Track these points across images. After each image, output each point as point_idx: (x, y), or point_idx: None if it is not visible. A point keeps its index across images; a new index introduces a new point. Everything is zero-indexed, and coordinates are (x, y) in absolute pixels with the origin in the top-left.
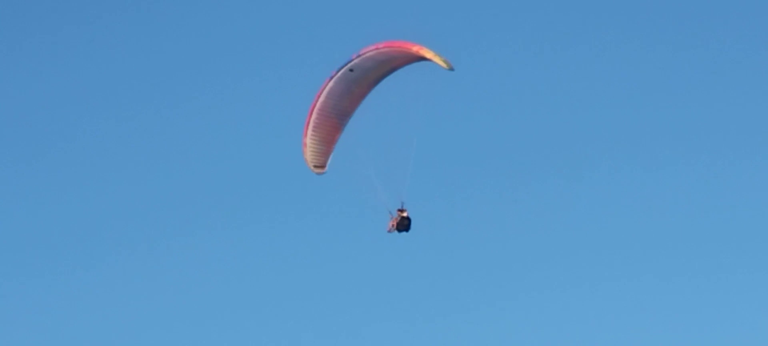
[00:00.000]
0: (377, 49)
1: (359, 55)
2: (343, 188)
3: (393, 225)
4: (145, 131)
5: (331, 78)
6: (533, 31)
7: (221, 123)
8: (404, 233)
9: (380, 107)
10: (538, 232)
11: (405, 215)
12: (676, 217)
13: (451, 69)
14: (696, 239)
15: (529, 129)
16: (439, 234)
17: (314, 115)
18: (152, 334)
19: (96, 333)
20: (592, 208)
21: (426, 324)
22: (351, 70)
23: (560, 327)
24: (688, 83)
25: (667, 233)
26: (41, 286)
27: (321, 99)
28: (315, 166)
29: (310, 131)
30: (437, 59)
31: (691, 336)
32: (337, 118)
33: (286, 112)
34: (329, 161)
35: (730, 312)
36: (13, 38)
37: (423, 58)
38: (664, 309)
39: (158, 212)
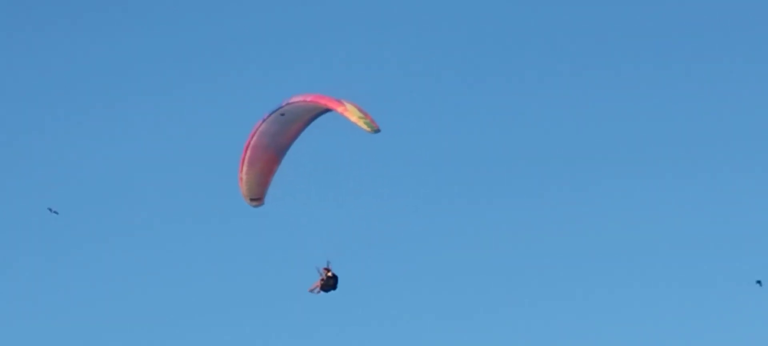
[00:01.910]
0: (305, 100)
1: (289, 103)
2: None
3: (318, 285)
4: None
5: (263, 120)
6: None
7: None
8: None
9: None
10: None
11: (330, 274)
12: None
13: (377, 131)
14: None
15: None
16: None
17: (249, 152)
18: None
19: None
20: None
21: None
22: (282, 114)
23: None
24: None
25: (657, 239)
26: None
27: (255, 137)
28: (251, 199)
29: (245, 167)
30: (360, 123)
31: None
32: (274, 151)
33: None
34: (266, 194)
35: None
36: None
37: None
38: (666, 314)
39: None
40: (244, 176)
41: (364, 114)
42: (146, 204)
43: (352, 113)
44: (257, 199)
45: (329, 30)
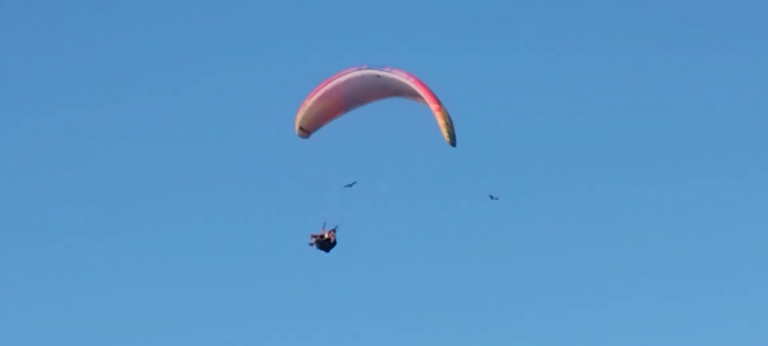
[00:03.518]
0: (407, 78)
1: (391, 71)
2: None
3: (316, 239)
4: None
5: (359, 69)
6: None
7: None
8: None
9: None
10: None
11: (331, 239)
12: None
13: (452, 145)
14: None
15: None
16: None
17: (328, 87)
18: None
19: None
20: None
21: None
22: (378, 76)
23: None
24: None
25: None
26: None
27: (341, 79)
28: (301, 129)
29: (315, 97)
30: (443, 130)
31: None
32: (346, 101)
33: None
34: (315, 133)
35: None
36: None
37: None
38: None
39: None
40: (307, 103)
41: (451, 125)
42: (142, 202)
43: (441, 116)
44: (306, 131)
45: (325, 28)
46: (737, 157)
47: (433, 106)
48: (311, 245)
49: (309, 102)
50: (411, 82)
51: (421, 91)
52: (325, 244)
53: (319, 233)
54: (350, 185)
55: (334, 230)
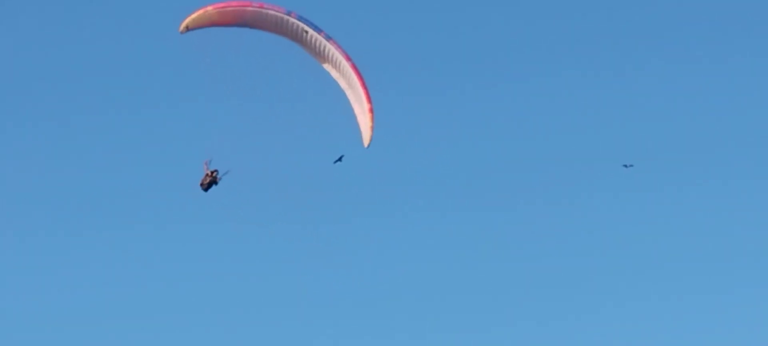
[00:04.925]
0: (345, 60)
1: (327, 39)
2: None
3: (205, 181)
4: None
5: (288, 14)
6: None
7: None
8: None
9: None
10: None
11: (216, 180)
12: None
13: (365, 146)
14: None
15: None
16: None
17: (243, 9)
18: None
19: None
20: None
21: None
22: (306, 32)
23: None
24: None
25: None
26: None
27: (263, 11)
28: (186, 26)
29: (220, 8)
30: (368, 132)
31: None
32: (248, 23)
33: None
34: (192, 33)
35: None
36: None
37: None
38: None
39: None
40: (209, 9)
41: (372, 130)
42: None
43: (371, 119)
44: (187, 29)
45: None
46: (738, 158)
47: (367, 106)
48: (201, 184)
49: (210, 8)
50: (349, 68)
51: (358, 84)
52: (206, 184)
53: (208, 173)
54: (339, 159)
55: (216, 172)
